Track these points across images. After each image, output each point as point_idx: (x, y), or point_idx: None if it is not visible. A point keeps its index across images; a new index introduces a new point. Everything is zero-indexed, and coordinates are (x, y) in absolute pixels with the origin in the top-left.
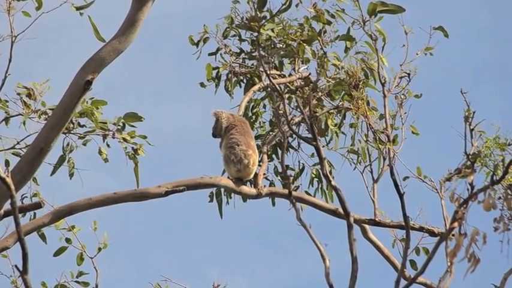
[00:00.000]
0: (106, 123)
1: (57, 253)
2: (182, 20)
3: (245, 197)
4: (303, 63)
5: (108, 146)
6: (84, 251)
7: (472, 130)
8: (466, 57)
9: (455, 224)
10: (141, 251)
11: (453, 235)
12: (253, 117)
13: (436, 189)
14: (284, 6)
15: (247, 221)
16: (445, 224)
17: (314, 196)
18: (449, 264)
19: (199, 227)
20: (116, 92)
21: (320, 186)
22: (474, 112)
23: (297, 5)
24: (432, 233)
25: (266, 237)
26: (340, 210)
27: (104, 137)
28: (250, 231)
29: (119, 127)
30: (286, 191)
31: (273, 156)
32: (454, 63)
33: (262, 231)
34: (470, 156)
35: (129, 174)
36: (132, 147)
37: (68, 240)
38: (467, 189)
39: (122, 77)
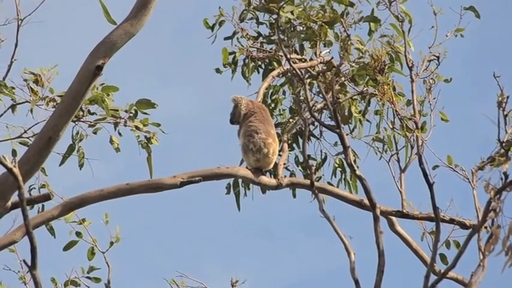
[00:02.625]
0: (118, 110)
1: (67, 247)
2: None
3: (264, 188)
4: (325, 47)
5: (120, 134)
6: (96, 245)
7: (505, 116)
8: (499, 38)
9: (489, 216)
10: (136, 245)
11: (486, 227)
12: (273, 104)
13: (468, 179)
14: None
15: (247, 213)
16: (477, 216)
17: (337, 187)
18: (481, 258)
19: (197, 220)
20: (112, 74)
21: (343, 176)
22: (508, 97)
23: None
24: (463, 225)
25: (267, 230)
26: (366, 201)
27: (116, 125)
28: (250, 224)
29: (131, 114)
30: (308, 182)
31: (294, 145)
32: (486, 45)
33: (263, 224)
34: (504, 144)
35: (123, 163)
36: (145, 136)
37: (78, 233)
38: (501, 179)
39: (117, 59)
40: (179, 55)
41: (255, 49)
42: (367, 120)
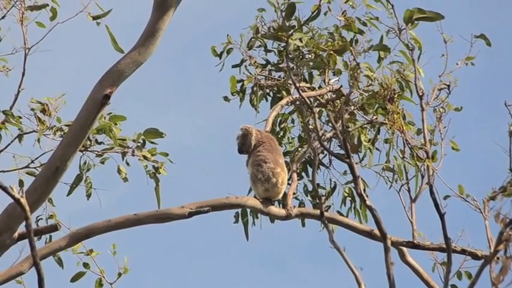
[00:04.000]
0: (125, 140)
1: (75, 278)
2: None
3: (273, 218)
4: (334, 75)
5: (127, 164)
6: (103, 277)
7: None
8: (510, 67)
9: (501, 246)
10: (144, 275)
11: (498, 258)
12: (281, 132)
13: (479, 209)
14: (313, 15)
15: (252, 241)
16: (489, 246)
17: (347, 216)
18: None
19: (204, 249)
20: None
21: (353, 206)
22: None
23: (325, 13)
24: (475, 256)
25: (269, 258)
26: (376, 231)
27: (123, 154)
28: (256, 253)
29: (139, 144)
30: (317, 212)
31: (303, 174)
32: (497, 73)
33: (269, 252)
34: None
35: (126, 189)
36: (153, 166)
37: (85, 264)
38: None
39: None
40: (181, 81)
41: (263, 77)
42: (377, 149)
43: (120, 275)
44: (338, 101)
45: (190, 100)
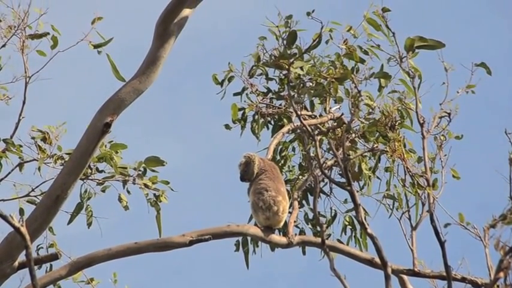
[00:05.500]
0: (126, 168)
1: None
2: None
3: (275, 246)
4: (335, 103)
5: (128, 192)
6: None
7: None
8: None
9: (501, 274)
10: None
11: (498, 286)
12: (282, 161)
13: (480, 237)
14: (314, 43)
15: (247, 269)
16: (490, 274)
17: (347, 245)
18: None
19: (198, 274)
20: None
21: (353, 234)
22: None
23: (327, 42)
24: (475, 284)
25: (263, 283)
26: (377, 259)
27: (124, 182)
28: (246, 277)
29: (140, 172)
30: (319, 240)
31: (303, 202)
32: (497, 101)
33: (263, 278)
34: None
35: (122, 214)
36: (154, 194)
37: None
38: None
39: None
40: (181, 107)
41: (265, 105)
42: (377, 178)
43: None
44: (339, 129)
45: (190, 127)
